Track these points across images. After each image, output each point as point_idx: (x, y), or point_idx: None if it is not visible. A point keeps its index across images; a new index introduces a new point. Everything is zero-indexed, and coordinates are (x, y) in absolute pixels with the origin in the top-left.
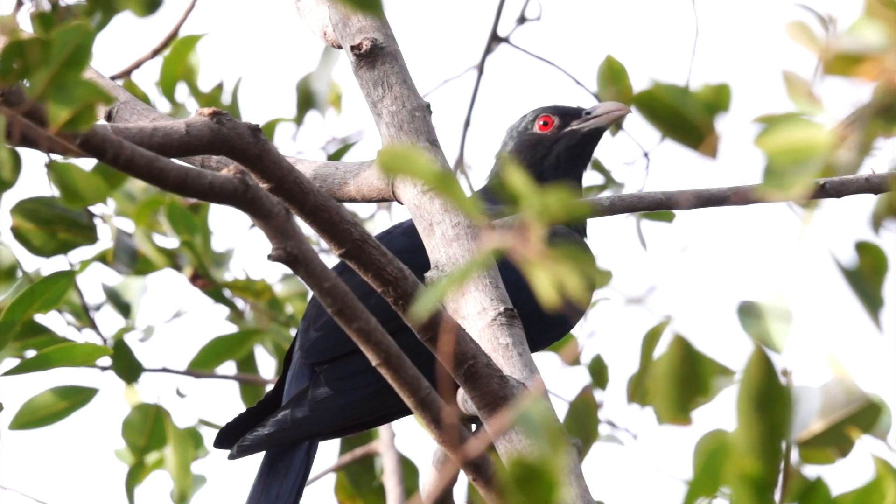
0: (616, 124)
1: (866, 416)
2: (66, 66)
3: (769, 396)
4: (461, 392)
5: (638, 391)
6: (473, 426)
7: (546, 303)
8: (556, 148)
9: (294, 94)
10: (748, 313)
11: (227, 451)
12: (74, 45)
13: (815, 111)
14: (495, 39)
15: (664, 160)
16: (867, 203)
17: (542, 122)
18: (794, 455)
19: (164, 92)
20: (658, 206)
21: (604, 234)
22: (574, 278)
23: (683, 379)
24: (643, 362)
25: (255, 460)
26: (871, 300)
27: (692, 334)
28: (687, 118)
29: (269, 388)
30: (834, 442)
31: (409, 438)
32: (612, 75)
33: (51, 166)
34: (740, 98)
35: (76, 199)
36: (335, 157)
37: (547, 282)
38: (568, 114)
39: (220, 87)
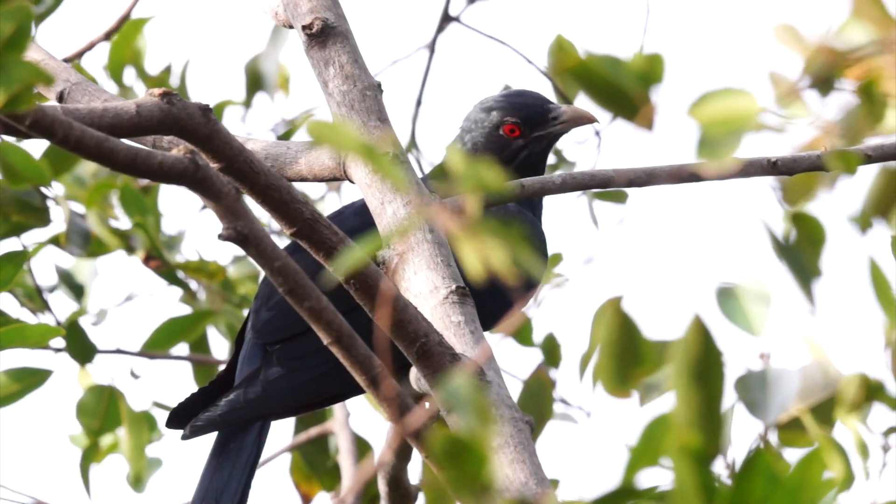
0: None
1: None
2: (5, 47)
3: (707, 366)
4: (414, 370)
5: (585, 367)
6: (427, 404)
7: (473, 276)
8: (522, 154)
9: (243, 76)
10: (726, 295)
11: (181, 432)
12: (14, 26)
13: (801, 112)
14: (446, 19)
15: (616, 139)
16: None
17: (508, 130)
18: (774, 438)
19: (112, 75)
20: (608, 184)
21: (559, 215)
22: (499, 253)
23: (622, 351)
24: (592, 340)
25: (210, 441)
26: (805, 273)
27: (633, 309)
28: (622, 89)
29: (223, 368)
30: (813, 424)
31: (363, 418)
32: (563, 54)
33: None
34: (679, 71)
35: (19, 180)
36: (284, 137)
37: (473, 255)
38: (533, 118)
39: (168, 70)
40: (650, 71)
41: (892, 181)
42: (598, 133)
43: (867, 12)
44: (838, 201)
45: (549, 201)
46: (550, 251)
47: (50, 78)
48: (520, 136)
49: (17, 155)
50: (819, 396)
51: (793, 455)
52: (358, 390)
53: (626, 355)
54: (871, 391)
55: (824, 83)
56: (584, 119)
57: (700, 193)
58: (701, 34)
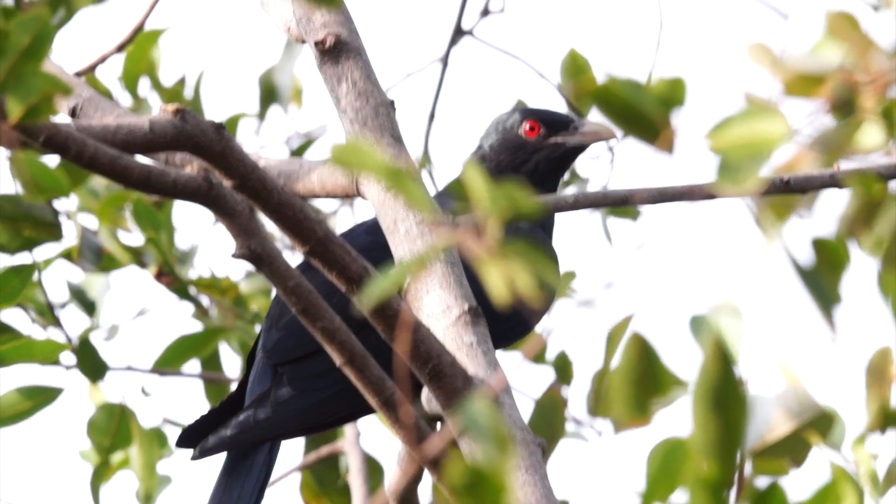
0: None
1: (820, 425)
2: (24, 56)
3: (725, 397)
4: (426, 391)
5: (600, 389)
6: (438, 425)
7: (497, 300)
8: (537, 157)
9: (256, 89)
10: (701, 323)
11: (191, 451)
12: (33, 36)
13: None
14: (459, 32)
15: (628, 156)
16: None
17: (528, 127)
18: (748, 465)
19: (127, 87)
20: (622, 203)
21: (570, 231)
22: (525, 276)
23: (640, 378)
24: (606, 361)
25: (221, 459)
26: (826, 298)
27: (651, 333)
28: (643, 113)
29: (234, 386)
30: (788, 452)
31: (374, 437)
32: (576, 69)
33: (13, 159)
34: (697, 93)
35: (38, 192)
36: (298, 152)
37: (498, 279)
38: (555, 123)
39: (182, 82)
40: (671, 94)
41: (864, 202)
42: (611, 149)
43: (842, 31)
44: (812, 224)
45: (560, 217)
46: (562, 269)
47: (68, 88)
48: (538, 137)
49: (35, 167)
50: (794, 424)
51: (764, 482)
52: (368, 411)
53: (644, 382)
54: (889, 419)
55: (843, 107)
56: (606, 134)
57: (712, 211)
58: (712, 46)
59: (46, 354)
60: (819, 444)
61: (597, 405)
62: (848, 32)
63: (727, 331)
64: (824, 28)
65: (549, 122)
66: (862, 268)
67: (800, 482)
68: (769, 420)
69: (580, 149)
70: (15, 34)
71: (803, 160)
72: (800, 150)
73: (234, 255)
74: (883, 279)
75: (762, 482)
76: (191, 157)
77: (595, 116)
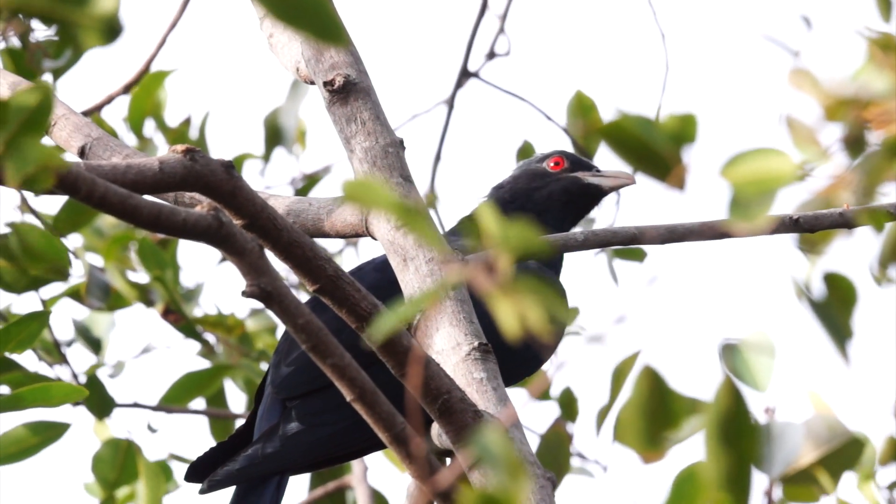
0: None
1: (849, 452)
2: (23, 128)
3: (738, 427)
4: (436, 426)
5: (603, 424)
6: (448, 460)
7: (509, 335)
8: (553, 186)
9: (262, 130)
10: (730, 351)
11: (199, 486)
12: (32, 107)
13: (818, 157)
14: (465, 74)
15: (636, 195)
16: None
17: (553, 162)
18: (778, 492)
19: (132, 127)
20: (632, 241)
21: (577, 271)
22: (537, 311)
23: (653, 412)
24: (612, 396)
25: (228, 494)
26: (839, 332)
27: (662, 368)
28: (654, 149)
29: (240, 423)
30: (818, 478)
31: (381, 473)
32: (582, 110)
33: (13, 228)
34: (707, 130)
35: (38, 262)
36: (302, 192)
37: (510, 314)
38: (581, 163)
39: (187, 122)
40: (683, 130)
41: None
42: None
43: (882, 58)
44: (857, 251)
45: (568, 259)
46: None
47: (65, 163)
48: (560, 170)
49: (35, 236)
50: (823, 450)
51: None
52: (376, 446)
53: (656, 414)
54: None
55: (856, 142)
56: (626, 180)
57: (723, 249)
58: (718, 85)
59: (62, 398)
60: (849, 470)
61: (610, 436)
62: (890, 58)
63: (757, 361)
64: (866, 53)
65: (574, 160)
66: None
67: None
68: (798, 447)
69: (597, 191)
70: (14, 106)
71: (840, 189)
72: (836, 178)
73: (244, 294)
74: None
75: None
76: (200, 196)
77: (604, 156)
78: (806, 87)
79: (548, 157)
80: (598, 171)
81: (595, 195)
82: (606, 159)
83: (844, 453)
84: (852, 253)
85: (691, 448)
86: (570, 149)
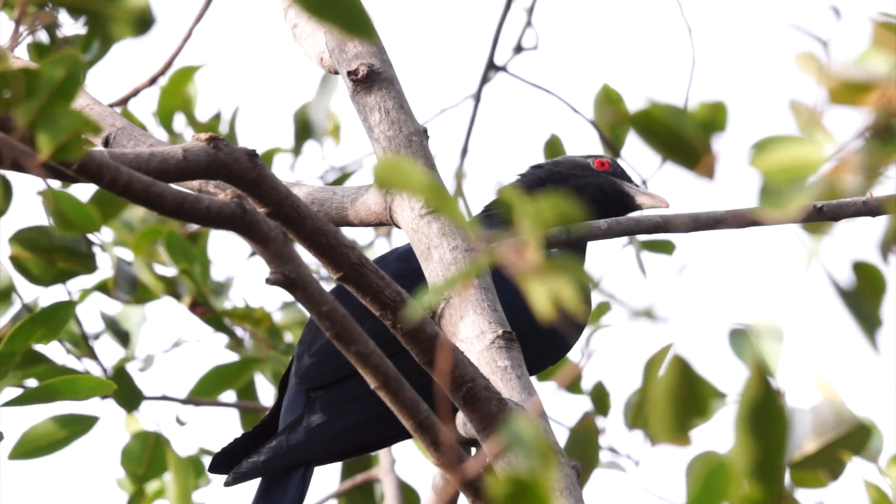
0: (615, 153)
1: (857, 438)
2: (54, 96)
3: (767, 417)
4: (460, 415)
5: (638, 416)
6: (473, 449)
7: (542, 316)
8: (590, 179)
9: (292, 124)
10: (739, 337)
11: (224, 478)
12: (63, 76)
13: (823, 139)
14: (492, 68)
15: (662, 186)
16: (866, 225)
17: (599, 162)
18: (786, 478)
19: (162, 122)
20: (656, 229)
21: (603, 263)
22: (570, 290)
23: (682, 399)
24: (645, 388)
25: (253, 485)
26: (869, 321)
27: (691, 356)
28: (683, 138)
29: (267, 414)
30: (825, 464)
31: (409, 464)
32: (609, 103)
33: (44, 194)
34: (737, 119)
35: (70, 227)
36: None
37: (542, 295)
38: (624, 173)
39: (217, 117)
40: (712, 119)
41: None
42: (644, 182)
43: (888, 41)
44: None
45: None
46: (596, 300)
47: (98, 127)
48: (605, 172)
49: (67, 201)
50: (831, 436)
51: (805, 496)
52: (400, 436)
53: (686, 401)
54: None
55: (885, 132)
56: (660, 202)
57: (747, 237)
58: (746, 76)
59: (90, 391)
60: (856, 456)
61: (636, 422)
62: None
63: (765, 347)
64: (870, 37)
65: (620, 170)
66: None
67: (837, 497)
68: (805, 432)
69: (629, 199)
70: (45, 74)
71: (844, 172)
72: (842, 161)
73: (268, 281)
74: None
75: (802, 496)
76: (224, 185)
77: (632, 147)
78: (811, 70)
79: (596, 156)
80: (639, 185)
81: (626, 204)
82: (634, 150)
83: (852, 439)
84: (852, 240)
85: (712, 435)
86: (597, 142)
